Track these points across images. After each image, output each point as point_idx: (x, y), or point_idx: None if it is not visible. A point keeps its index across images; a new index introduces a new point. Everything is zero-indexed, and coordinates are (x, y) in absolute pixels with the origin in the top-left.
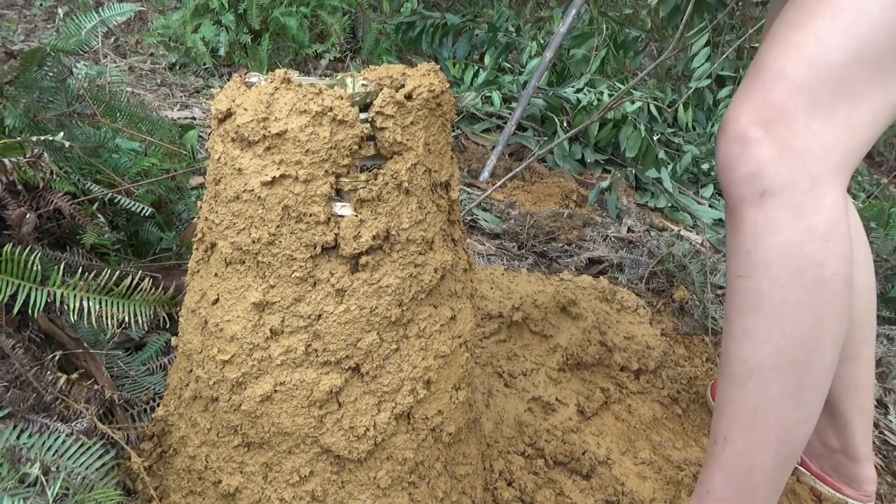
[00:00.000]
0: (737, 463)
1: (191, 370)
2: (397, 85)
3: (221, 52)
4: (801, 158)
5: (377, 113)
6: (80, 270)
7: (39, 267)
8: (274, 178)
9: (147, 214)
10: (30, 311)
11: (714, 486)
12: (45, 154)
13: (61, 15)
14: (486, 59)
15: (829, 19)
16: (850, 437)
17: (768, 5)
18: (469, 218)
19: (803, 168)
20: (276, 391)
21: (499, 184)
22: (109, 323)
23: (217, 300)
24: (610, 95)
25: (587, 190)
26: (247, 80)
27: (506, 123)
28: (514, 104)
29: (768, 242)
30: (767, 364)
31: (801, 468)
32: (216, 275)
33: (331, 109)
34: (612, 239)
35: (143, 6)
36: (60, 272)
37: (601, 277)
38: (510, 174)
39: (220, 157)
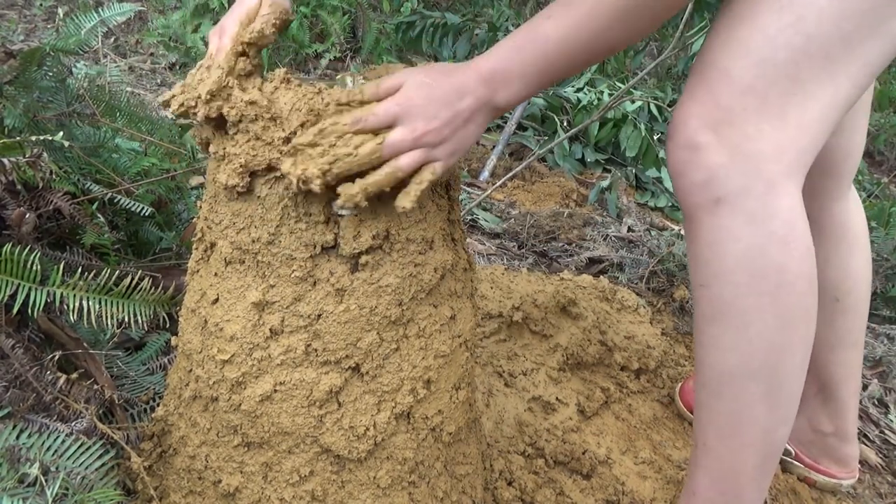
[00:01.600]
0: (719, 467)
1: (191, 370)
2: None
3: None
4: (754, 162)
5: None
6: (79, 270)
7: (39, 267)
8: (274, 177)
9: (147, 214)
10: (29, 311)
11: (699, 489)
12: (45, 154)
13: (61, 15)
14: None
15: (775, 13)
16: (845, 419)
17: None
18: (469, 217)
19: (756, 172)
20: (275, 391)
21: (499, 183)
22: (109, 323)
23: (217, 300)
24: (610, 95)
25: (587, 189)
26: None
27: (506, 123)
28: None
29: (726, 251)
30: (737, 372)
31: (794, 461)
32: (216, 274)
33: None
34: (613, 238)
35: (142, 6)
36: (60, 272)
37: (601, 277)
38: (510, 174)
39: None
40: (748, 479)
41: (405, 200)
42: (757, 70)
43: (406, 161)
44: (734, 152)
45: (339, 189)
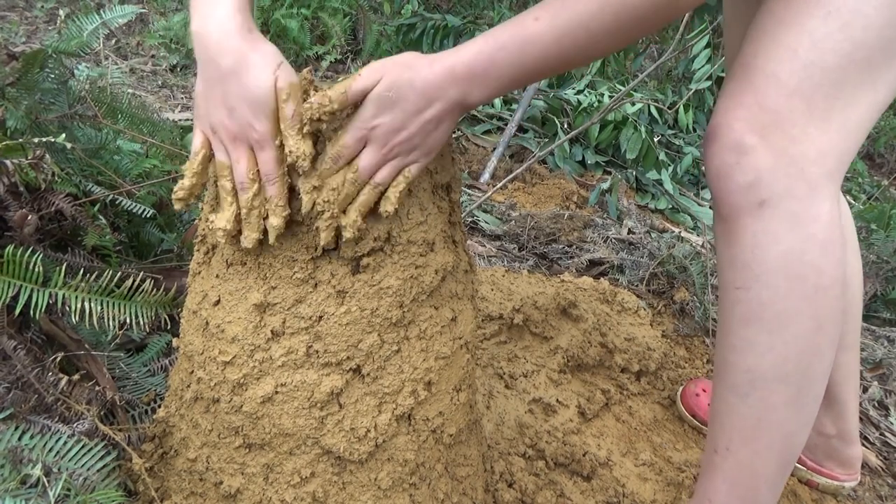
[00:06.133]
0: (740, 472)
1: (192, 371)
2: None
3: None
4: (799, 165)
5: None
6: (81, 272)
7: (41, 268)
8: None
9: (148, 216)
10: (31, 313)
11: (716, 495)
12: (47, 156)
13: (63, 17)
14: None
15: (822, 18)
16: (847, 420)
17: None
18: (470, 219)
19: (801, 175)
20: (277, 392)
21: (499, 185)
22: (111, 324)
23: (218, 301)
24: (610, 97)
25: (588, 191)
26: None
27: (506, 125)
28: (514, 106)
29: (768, 253)
30: (770, 374)
31: (796, 464)
32: (217, 276)
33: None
34: (613, 240)
35: (144, 8)
36: (62, 273)
37: (602, 279)
38: (511, 176)
39: None
40: (766, 485)
41: (387, 205)
42: (804, 73)
43: (382, 176)
44: (780, 155)
45: (340, 222)
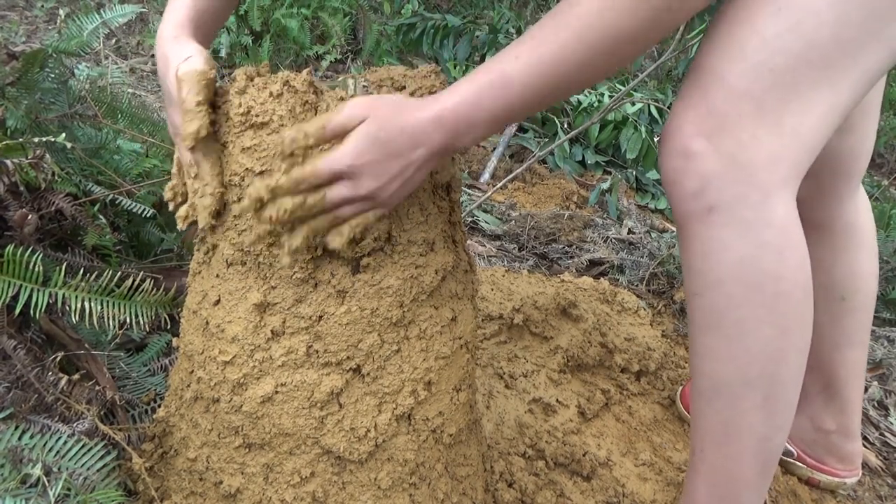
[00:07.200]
0: (715, 474)
1: (192, 371)
2: (398, 87)
3: (223, 53)
4: (749, 171)
5: None
6: (81, 271)
7: (41, 268)
8: None
9: (148, 215)
10: (31, 313)
11: (697, 496)
12: (47, 155)
13: (63, 16)
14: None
15: (772, 16)
16: (848, 416)
17: None
18: (470, 219)
19: (751, 181)
20: (277, 392)
21: (499, 185)
22: (111, 324)
23: (218, 301)
24: (610, 97)
25: (588, 191)
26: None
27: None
28: None
29: (720, 260)
30: (734, 381)
31: (797, 462)
32: (217, 276)
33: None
34: (613, 240)
35: (144, 8)
36: (62, 273)
37: (602, 279)
38: (511, 175)
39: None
40: (746, 486)
41: (336, 240)
42: (753, 75)
43: (348, 212)
44: (728, 160)
45: (283, 240)
